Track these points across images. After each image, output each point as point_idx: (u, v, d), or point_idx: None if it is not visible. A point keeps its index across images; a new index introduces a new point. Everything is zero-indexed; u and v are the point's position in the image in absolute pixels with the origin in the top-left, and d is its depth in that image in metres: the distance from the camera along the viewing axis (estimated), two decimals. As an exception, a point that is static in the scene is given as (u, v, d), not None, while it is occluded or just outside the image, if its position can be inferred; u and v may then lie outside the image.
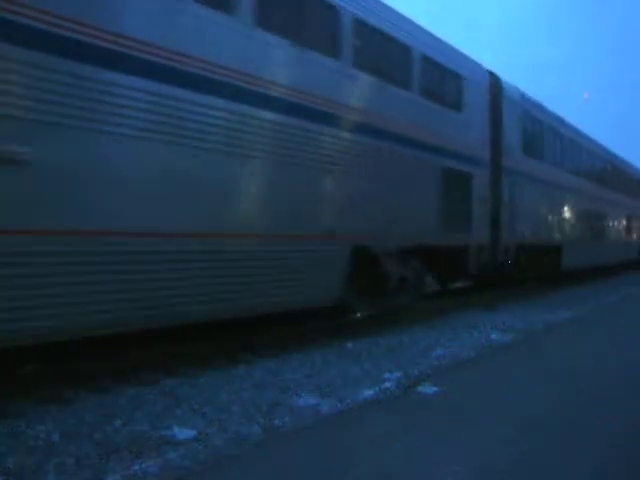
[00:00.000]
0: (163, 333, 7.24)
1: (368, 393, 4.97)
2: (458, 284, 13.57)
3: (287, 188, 6.68)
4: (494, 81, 12.30)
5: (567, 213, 16.72)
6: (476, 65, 11.51)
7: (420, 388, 5.07)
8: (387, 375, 5.60)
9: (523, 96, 13.79)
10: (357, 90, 7.90)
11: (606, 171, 22.02)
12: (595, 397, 4.91)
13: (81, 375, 5.46)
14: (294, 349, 6.99)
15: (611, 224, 22.05)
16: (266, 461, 3.47)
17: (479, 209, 10.98)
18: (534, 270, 14.46)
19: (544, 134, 15.01)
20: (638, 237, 27.16)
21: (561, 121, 16.75)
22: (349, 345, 7.23)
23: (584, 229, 18.18)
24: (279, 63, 6.60)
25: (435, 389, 5.02)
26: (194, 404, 4.61)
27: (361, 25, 7.87)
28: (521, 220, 13.04)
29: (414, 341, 7.53)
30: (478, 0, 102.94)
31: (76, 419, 4.19)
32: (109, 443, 3.72)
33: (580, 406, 4.63)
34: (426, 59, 9.38)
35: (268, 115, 6.39)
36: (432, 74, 9.67)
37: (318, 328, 8.19)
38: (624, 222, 24.38)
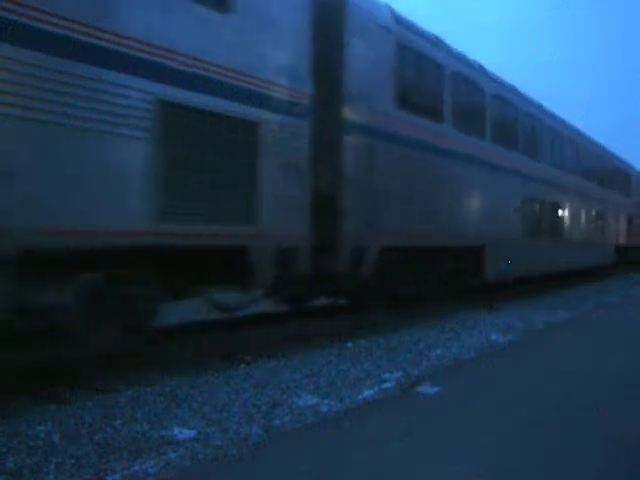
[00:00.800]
0: (163, 333, 7.25)
1: (368, 393, 4.97)
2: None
3: None
4: None
5: (496, 202, 12.05)
6: None
7: (420, 388, 5.07)
8: (387, 375, 5.60)
9: (400, 21, 9.09)
10: None
11: (569, 153, 17.29)
12: (595, 397, 4.90)
13: (81, 375, 5.46)
14: (294, 349, 7.00)
15: (574, 220, 17.27)
16: (266, 461, 3.47)
17: (280, 185, 6.67)
18: (425, 283, 10.02)
19: (446, 86, 10.10)
20: (615, 237, 22.38)
21: (484, 72, 11.86)
22: (349, 345, 7.23)
23: (527, 225, 13.59)
24: None
25: (435, 389, 5.02)
26: (194, 404, 4.61)
27: None
28: (393, 208, 8.63)
29: (414, 341, 7.53)
30: (478, 0, 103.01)
31: (76, 419, 4.19)
32: (109, 443, 3.72)
33: (581, 406, 4.63)
34: None
35: None
36: None
37: (318, 328, 8.19)
38: (594, 218, 19.55)
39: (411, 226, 9.14)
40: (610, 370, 5.94)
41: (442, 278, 10.44)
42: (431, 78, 9.85)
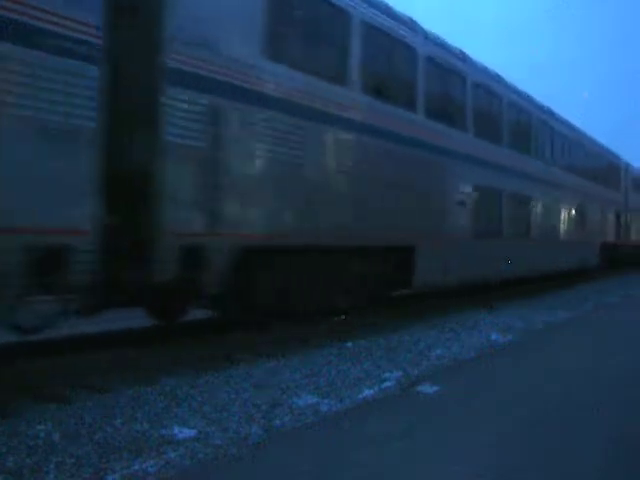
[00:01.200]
0: (163, 333, 7.26)
1: (368, 393, 4.97)
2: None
3: None
4: None
5: (434, 193, 9.86)
6: None
7: (420, 388, 5.07)
8: (387, 375, 5.60)
9: None
10: None
11: (540, 138, 14.89)
12: (595, 397, 4.90)
13: (81, 375, 5.46)
14: (294, 349, 6.99)
15: (546, 215, 15.08)
16: (266, 461, 3.47)
17: (34, 155, 4.63)
18: (326, 293, 7.99)
19: (353, 37, 7.94)
20: (601, 235, 20.72)
21: (416, 28, 9.60)
22: (349, 345, 7.22)
23: (480, 221, 11.22)
24: None
25: (435, 389, 5.02)
26: (194, 404, 4.61)
27: None
28: (261, 195, 6.57)
29: (414, 341, 7.52)
30: (480, 0, 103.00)
31: (76, 419, 4.19)
32: (109, 443, 3.72)
33: (581, 406, 4.63)
34: None
35: None
36: None
37: (318, 328, 8.18)
38: (574, 213, 17.33)
39: (295, 220, 7.01)
40: (610, 370, 5.94)
41: (353, 286, 8.44)
42: (327, 25, 7.66)
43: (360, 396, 4.87)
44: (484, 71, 12.00)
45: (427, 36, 9.88)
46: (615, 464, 3.47)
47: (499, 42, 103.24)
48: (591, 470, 3.36)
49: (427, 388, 5.05)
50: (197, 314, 8.29)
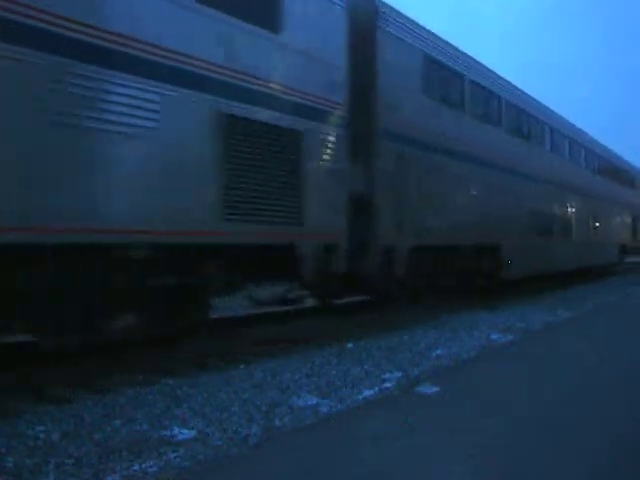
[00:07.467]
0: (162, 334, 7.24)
1: (368, 393, 4.96)
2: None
3: None
4: None
5: None
6: None
7: (420, 388, 5.06)
8: (387, 375, 5.59)
9: None
10: None
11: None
12: (595, 396, 4.90)
13: (81, 375, 5.46)
14: (294, 349, 6.99)
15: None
16: (266, 461, 3.47)
17: None
18: None
19: None
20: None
21: None
22: (349, 345, 7.22)
23: None
24: None
25: (435, 389, 5.01)
26: (194, 404, 4.61)
27: None
28: None
29: (414, 341, 7.52)
30: (479, 0, 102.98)
31: (76, 419, 4.19)
32: (108, 443, 3.71)
33: (582, 406, 4.62)
34: None
35: None
36: None
37: (318, 328, 8.18)
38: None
39: None
40: (610, 370, 5.93)
41: None
42: None
43: (360, 396, 4.87)
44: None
45: None
46: (615, 464, 3.46)
47: (500, 42, 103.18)
48: (591, 470, 3.36)
49: (427, 388, 5.04)
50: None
